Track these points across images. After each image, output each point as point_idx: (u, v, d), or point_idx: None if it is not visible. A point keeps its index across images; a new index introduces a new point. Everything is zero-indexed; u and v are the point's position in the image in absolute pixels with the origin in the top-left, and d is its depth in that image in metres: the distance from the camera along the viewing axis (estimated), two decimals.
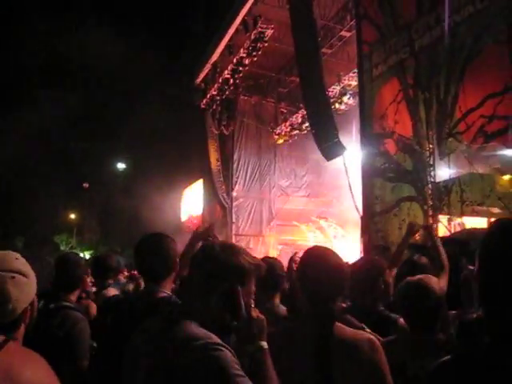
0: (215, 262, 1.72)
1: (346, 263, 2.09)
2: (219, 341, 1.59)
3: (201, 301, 1.70)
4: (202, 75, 22.99)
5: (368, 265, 3.28)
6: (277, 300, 3.12)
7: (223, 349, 1.56)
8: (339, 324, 1.96)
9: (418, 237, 9.71)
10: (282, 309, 3.03)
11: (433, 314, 2.43)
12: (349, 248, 16.27)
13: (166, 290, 2.49)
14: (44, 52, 38.69)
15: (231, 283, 1.70)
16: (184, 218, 29.48)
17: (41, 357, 0.88)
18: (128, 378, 1.71)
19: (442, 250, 3.81)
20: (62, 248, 36.84)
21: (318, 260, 2.03)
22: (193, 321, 1.64)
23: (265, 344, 1.69)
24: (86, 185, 31.44)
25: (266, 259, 3.16)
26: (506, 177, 8.90)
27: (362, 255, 11.14)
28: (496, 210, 9.15)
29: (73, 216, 38.75)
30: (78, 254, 3.49)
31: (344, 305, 3.09)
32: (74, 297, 3.18)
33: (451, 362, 1.20)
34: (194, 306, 1.71)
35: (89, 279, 4.34)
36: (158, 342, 1.65)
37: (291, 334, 2.02)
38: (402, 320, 2.67)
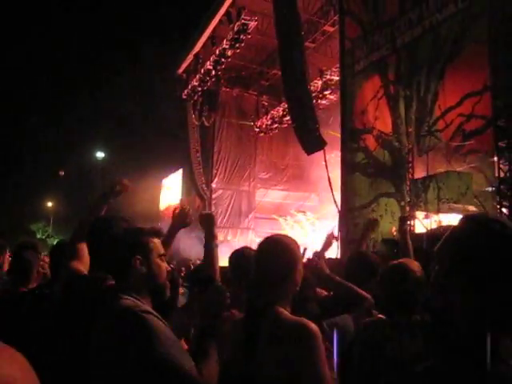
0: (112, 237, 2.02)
1: (296, 251, 2.07)
2: (146, 308, 1.78)
3: (124, 275, 1.92)
4: (184, 65, 22.84)
5: (362, 259, 3.33)
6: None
7: (149, 314, 1.73)
8: (280, 310, 1.91)
9: (394, 232, 9.82)
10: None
11: (410, 296, 2.47)
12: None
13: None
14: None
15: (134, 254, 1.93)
16: (163, 207, 29.36)
17: (19, 354, 0.84)
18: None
19: (409, 242, 3.83)
20: (39, 236, 36.42)
21: (266, 247, 2.06)
22: (128, 296, 1.84)
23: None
24: (61, 172, 31.07)
25: (243, 249, 3.14)
26: (482, 175, 9.01)
27: (340, 249, 11.23)
28: (472, 208, 9.27)
29: (50, 204, 38.30)
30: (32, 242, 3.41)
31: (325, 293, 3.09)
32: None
33: (420, 375, 1.20)
34: (121, 284, 1.93)
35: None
36: (104, 317, 1.82)
37: (235, 324, 2.04)
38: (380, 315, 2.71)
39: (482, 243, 1.14)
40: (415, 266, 2.58)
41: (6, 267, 3.77)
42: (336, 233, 3.71)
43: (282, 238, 2.11)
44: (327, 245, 3.53)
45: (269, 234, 2.18)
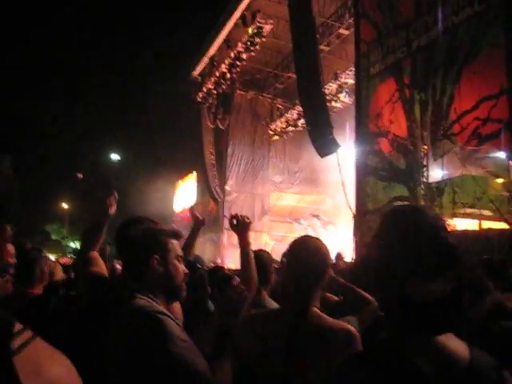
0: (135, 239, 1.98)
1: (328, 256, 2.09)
2: (161, 309, 1.79)
3: (141, 274, 1.92)
4: (199, 68, 22.95)
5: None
6: (264, 293, 3.11)
7: (164, 316, 1.74)
8: (319, 313, 1.95)
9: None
10: (271, 302, 3.01)
11: None
12: (340, 245, 16.32)
13: None
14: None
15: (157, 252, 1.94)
16: (177, 209, 29.47)
17: (64, 356, 0.92)
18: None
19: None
20: (54, 237, 36.70)
21: (301, 249, 2.06)
22: (143, 296, 1.84)
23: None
24: (79, 175, 31.22)
25: (255, 252, 3.15)
26: (499, 180, 8.94)
27: (355, 253, 11.19)
28: (487, 213, 9.20)
29: (65, 205, 38.59)
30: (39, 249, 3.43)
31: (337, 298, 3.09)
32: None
33: (354, 360, 1.21)
34: (136, 283, 1.92)
35: None
36: (119, 316, 1.83)
37: (266, 320, 2.04)
38: None
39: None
40: None
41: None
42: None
43: (315, 240, 2.12)
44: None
45: (283, 237, 2.19)
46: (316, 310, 1.97)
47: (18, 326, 0.86)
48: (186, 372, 1.65)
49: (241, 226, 2.77)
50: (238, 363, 1.87)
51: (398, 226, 1.17)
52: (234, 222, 2.78)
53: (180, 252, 2.03)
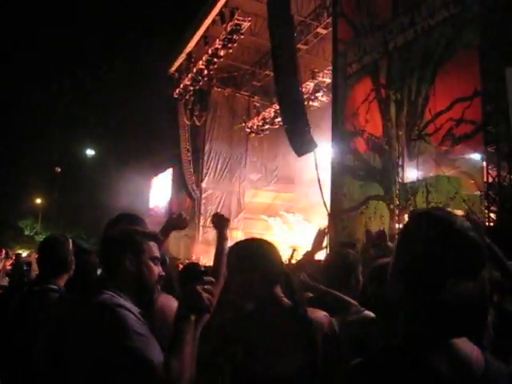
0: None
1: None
2: (122, 303, 1.79)
3: (114, 272, 1.95)
4: (176, 64, 22.82)
5: (340, 259, 3.28)
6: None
7: (122, 309, 1.75)
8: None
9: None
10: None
11: None
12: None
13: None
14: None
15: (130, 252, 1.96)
16: (152, 205, 29.33)
17: None
18: None
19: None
20: (27, 233, 36.15)
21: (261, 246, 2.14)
22: (109, 291, 1.85)
23: (192, 317, 1.78)
24: (57, 169, 30.78)
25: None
26: (471, 180, 9.07)
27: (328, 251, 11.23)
28: (460, 212, 9.32)
29: (38, 201, 38.04)
30: (63, 235, 3.28)
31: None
32: (62, 281, 3.05)
33: (368, 364, 1.20)
34: (114, 279, 1.93)
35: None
36: (75, 311, 1.85)
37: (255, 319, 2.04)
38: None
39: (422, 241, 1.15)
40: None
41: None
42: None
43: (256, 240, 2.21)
44: (318, 244, 3.47)
45: (258, 235, 2.22)
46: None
47: None
48: (136, 365, 1.65)
49: (221, 223, 2.81)
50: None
51: (431, 228, 1.16)
52: (215, 219, 2.82)
53: (156, 254, 2.03)
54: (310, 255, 3.33)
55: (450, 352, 1.11)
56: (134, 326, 1.71)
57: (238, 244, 2.18)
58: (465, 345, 1.13)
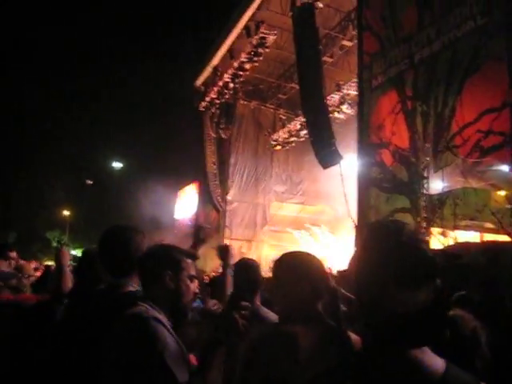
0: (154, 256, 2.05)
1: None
2: (157, 315, 1.82)
3: (152, 287, 1.98)
4: (202, 78, 23.04)
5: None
6: (257, 301, 3.11)
7: (156, 322, 1.78)
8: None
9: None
10: (268, 312, 3.01)
11: None
12: (341, 256, 16.28)
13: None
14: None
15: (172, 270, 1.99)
16: (178, 217, 29.50)
17: None
18: None
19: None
20: (54, 244, 36.64)
21: (309, 258, 2.08)
22: (145, 303, 1.89)
23: (224, 343, 1.84)
24: (88, 181, 31.20)
25: (242, 261, 3.18)
26: (501, 192, 8.94)
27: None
28: (489, 225, 9.19)
29: (66, 213, 38.58)
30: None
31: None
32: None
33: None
34: (150, 293, 1.97)
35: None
36: (117, 322, 1.85)
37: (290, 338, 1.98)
38: None
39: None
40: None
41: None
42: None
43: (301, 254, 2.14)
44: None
45: (283, 247, 2.22)
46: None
47: None
48: (162, 380, 1.68)
49: (224, 253, 2.88)
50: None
51: (378, 238, 1.19)
52: (219, 251, 2.87)
53: (193, 272, 2.07)
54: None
55: (405, 362, 1.11)
56: (166, 341, 1.74)
57: (286, 255, 2.09)
58: (424, 355, 1.12)
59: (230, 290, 2.88)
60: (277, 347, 1.82)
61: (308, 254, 2.12)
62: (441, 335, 1.13)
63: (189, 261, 2.06)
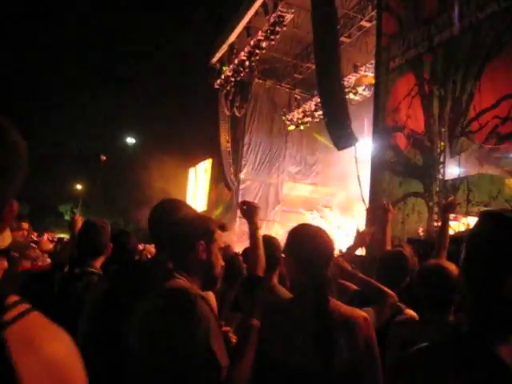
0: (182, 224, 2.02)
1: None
2: (202, 294, 1.80)
3: (184, 256, 1.95)
4: (218, 55, 22.91)
5: (396, 258, 3.33)
6: (275, 279, 3.12)
7: (203, 300, 1.75)
8: (333, 300, 2.03)
9: (421, 232, 9.71)
10: (282, 289, 3.02)
11: (446, 297, 2.50)
12: (352, 238, 16.27)
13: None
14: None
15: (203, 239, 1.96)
16: (190, 194, 29.60)
17: (65, 332, 0.86)
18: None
19: (447, 235, 3.83)
20: (66, 218, 37.03)
21: (311, 234, 2.14)
22: (182, 276, 1.88)
23: (256, 323, 1.87)
24: (103, 157, 31.23)
25: (264, 237, 3.18)
26: None
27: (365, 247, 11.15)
28: None
29: (79, 187, 38.86)
30: (104, 221, 3.39)
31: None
32: (98, 263, 3.16)
33: (434, 349, 1.23)
34: (178, 265, 1.95)
35: None
36: (153, 297, 1.83)
37: (288, 310, 2.07)
38: (408, 310, 2.76)
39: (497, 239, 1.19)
40: (453, 267, 2.59)
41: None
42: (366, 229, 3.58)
43: (314, 227, 2.22)
44: (360, 243, 3.48)
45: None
46: (331, 297, 2.04)
47: (12, 298, 0.82)
48: (205, 363, 1.66)
49: (250, 211, 2.76)
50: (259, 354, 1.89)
51: (499, 227, 1.21)
52: (244, 207, 2.78)
53: (222, 244, 2.06)
54: (351, 251, 3.35)
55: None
56: (211, 322, 1.72)
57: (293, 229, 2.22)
58: None
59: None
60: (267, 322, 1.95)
61: (310, 228, 2.21)
62: None
63: (220, 232, 2.04)
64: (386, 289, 2.73)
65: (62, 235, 20.62)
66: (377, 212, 11.58)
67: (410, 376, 1.20)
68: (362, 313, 2.01)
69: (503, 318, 1.15)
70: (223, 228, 2.08)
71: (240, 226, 22.28)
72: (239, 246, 19.91)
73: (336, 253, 3.20)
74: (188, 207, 2.46)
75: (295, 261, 2.11)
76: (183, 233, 1.98)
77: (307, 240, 2.11)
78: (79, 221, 3.69)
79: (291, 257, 2.13)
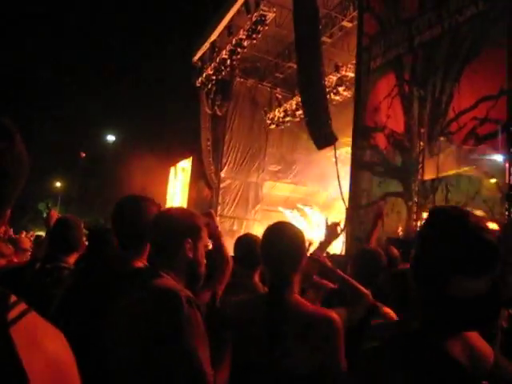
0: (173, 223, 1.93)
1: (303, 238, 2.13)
2: (192, 297, 1.73)
3: (169, 258, 1.89)
4: (199, 53, 22.81)
5: (369, 257, 3.33)
6: (256, 277, 3.13)
7: (193, 303, 1.69)
8: (301, 300, 1.99)
9: (400, 232, 9.80)
10: (261, 286, 3.03)
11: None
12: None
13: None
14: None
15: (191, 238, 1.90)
16: (170, 193, 29.48)
17: (60, 332, 0.88)
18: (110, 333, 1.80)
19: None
20: (44, 215, 36.58)
21: (273, 233, 2.11)
22: (168, 275, 1.82)
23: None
24: (82, 154, 30.93)
25: (247, 236, 3.17)
26: (493, 180, 8.96)
27: (345, 245, 11.24)
28: (480, 213, 9.22)
29: (58, 184, 38.44)
30: (76, 217, 3.38)
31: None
32: (72, 259, 3.14)
33: (384, 348, 1.25)
34: (164, 263, 1.88)
35: None
36: (138, 294, 1.78)
37: (248, 306, 2.06)
38: (386, 308, 2.75)
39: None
40: None
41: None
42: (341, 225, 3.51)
43: (289, 226, 2.16)
44: (332, 235, 3.36)
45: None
46: (296, 296, 1.99)
47: (13, 298, 0.84)
48: (192, 369, 1.62)
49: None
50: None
51: (445, 225, 1.21)
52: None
53: (208, 242, 2.06)
54: (323, 246, 3.34)
55: (463, 343, 1.16)
56: (200, 327, 1.68)
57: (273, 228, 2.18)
58: (476, 339, 1.19)
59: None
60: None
61: (273, 230, 2.16)
62: (494, 322, 1.19)
63: (205, 229, 1.99)
64: (361, 288, 2.74)
65: (40, 233, 20.38)
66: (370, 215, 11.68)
67: (364, 376, 1.21)
68: (328, 314, 1.95)
69: (450, 316, 1.16)
70: (207, 225, 2.06)
71: (220, 224, 22.22)
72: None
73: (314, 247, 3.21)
74: (154, 204, 2.39)
75: (262, 260, 2.12)
76: (171, 231, 1.90)
77: (268, 239, 2.10)
78: (54, 216, 3.67)
79: (261, 256, 2.13)
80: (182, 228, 1.90)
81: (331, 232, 3.33)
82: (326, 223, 3.46)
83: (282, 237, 2.06)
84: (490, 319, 1.19)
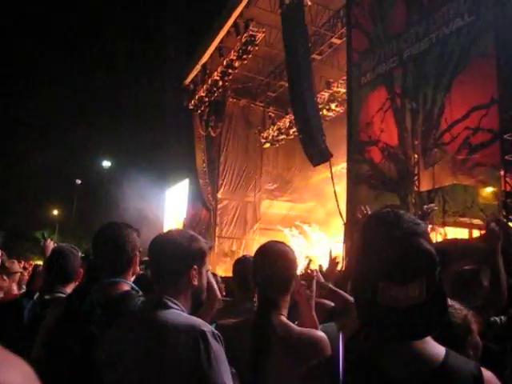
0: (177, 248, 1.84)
1: (294, 260, 2.11)
2: (215, 331, 1.66)
3: (174, 286, 1.80)
4: (191, 76, 22.96)
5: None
6: (256, 299, 3.11)
7: (218, 338, 1.64)
8: (287, 322, 1.96)
9: None
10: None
11: None
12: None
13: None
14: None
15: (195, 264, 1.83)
16: (167, 217, 29.40)
17: (21, 360, 0.80)
18: (110, 368, 1.73)
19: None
20: (42, 244, 36.36)
21: (262, 260, 2.09)
22: (176, 304, 1.74)
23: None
24: (78, 181, 30.83)
25: (243, 260, 3.16)
26: (489, 189, 8.98)
27: (344, 260, 11.18)
28: (477, 221, 9.23)
29: (56, 212, 38.37)
30: (73, 247, 3.38)
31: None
32: (69, 289, 3.13)
33: (323, 363, 1.25)
34: (169, 292, 1.79)
35: None
36: (146, 329, 1.70)
37: (238, 329, 2.04)
38: None
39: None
40: None
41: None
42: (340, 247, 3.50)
43: (279, 245, 2.13)
44: (333, 266, 3.38)
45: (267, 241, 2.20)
46: (282, 318, 1.96)
47: None
48: None
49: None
50: None
51: (369, 232, 1.19)
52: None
53: (209, 267, 2.02)
54: (328, 278, 3.31)
55: (404, 354, 1.12)
56: (225, 360, 1.63)
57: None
58: (425, 345, 1.13)
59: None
60: None
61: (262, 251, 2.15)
62: (439, 326, 1.14)
63: (208, 252, 1.94)
64: (351, 300, 2.70)
65: (38, 262, 20.24)
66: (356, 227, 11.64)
67: None
68: (314, 335, 1.92)
69: (381, 324, 1.12)
70: (210, 249, 2.04)
71: (219, 245, 22.20)
72: (219, 265, 19.87)
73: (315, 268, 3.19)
74: (134, 230, 2.42)
75: (253, 284, 2.13)
76: (177, 256, 1.82)
77: (254, 265, 2.10)
78: (50, 246, 3.68)
79: (251, 280, 2.14)
80: (188, 254, 1.83)
81: (333, 267, 3.33)
82: (330, 255, 3.46)
83: (266, 262, 2.04)
84: (430, 328, 1.12)
